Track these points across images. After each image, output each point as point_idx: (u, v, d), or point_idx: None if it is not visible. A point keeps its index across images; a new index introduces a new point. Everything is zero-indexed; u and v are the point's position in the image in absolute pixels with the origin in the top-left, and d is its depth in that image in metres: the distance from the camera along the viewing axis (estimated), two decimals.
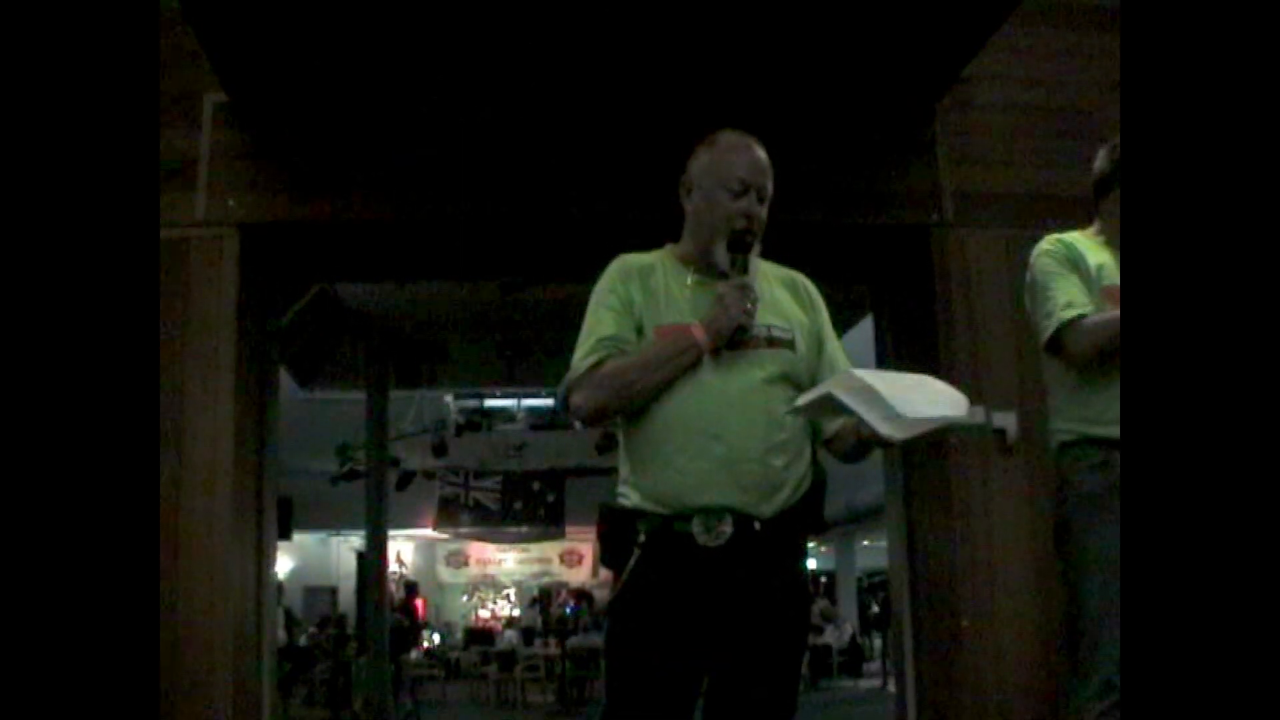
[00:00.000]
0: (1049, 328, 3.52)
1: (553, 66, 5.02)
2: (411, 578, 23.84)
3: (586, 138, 5.44)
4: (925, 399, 2.66)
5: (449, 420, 17.74)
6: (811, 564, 30.01)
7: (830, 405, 2.65)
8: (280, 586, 14.25)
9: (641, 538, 2.79)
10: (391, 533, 12.55)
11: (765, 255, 3.02)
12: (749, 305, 2.79)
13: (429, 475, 19.97)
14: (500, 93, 5.25)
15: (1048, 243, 3.64)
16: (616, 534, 2.86)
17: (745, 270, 2.87)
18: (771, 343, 2.87)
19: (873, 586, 28.48)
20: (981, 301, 5.33)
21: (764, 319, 2.87)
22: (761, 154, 2.96)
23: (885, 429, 2.57)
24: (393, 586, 16.75)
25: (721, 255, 2.89)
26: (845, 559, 28.24)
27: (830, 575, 28.89)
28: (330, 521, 20.09)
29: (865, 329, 6.65)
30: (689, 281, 2.94)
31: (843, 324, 9.89)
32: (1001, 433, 5.19)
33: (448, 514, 21.68)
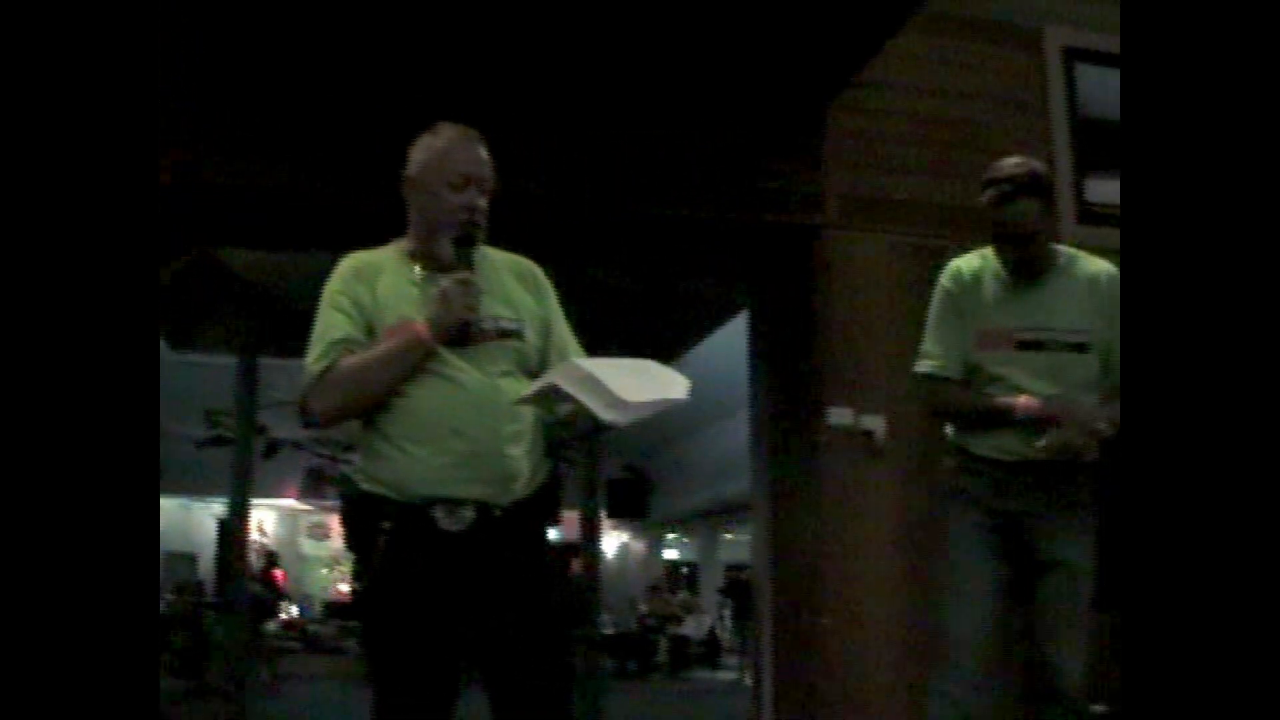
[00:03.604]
0: (913, 367, 3.74)
1: (451, 42, 5.00)
2: (272, 547, 23.51)
3: (481, 120, 5.42)
4: (647, 382, 2.77)
5: None
6: (675, 554, 30.23)
7: (554, 395, 2.72)
8: None
9: (387, 525, 2.81)
10: (255, 501, 12.37)
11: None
12: (472, 301, 2.83)
13: (297, 445, 19.70)
14: (398, 63, 5.20)
15: (946, 277, 3.75)
16: (361, 520, 2.88)
17: (470, 265, 2.90)
18: (502, 334, 2.92)
19: (735, 582, 28.58)
20: (860, 304, 5.41)
21: (493, 310, 2.92)
22: (482, 148, 3.05)
23: (608, 415, 2.66)
24: (253, 556, 16.50)
25: (447, 250, 2.93)
26: (708, 551, 28.39)
27: (692, 566, 29.02)
28: (193, 487, 19.69)
29: (740, 325, 6.68)
30: (416, 276, 2.96)
31: (717, 320, 10.02)
32: (869, 434, 5.28)
33: (313, 485, 21.43)
